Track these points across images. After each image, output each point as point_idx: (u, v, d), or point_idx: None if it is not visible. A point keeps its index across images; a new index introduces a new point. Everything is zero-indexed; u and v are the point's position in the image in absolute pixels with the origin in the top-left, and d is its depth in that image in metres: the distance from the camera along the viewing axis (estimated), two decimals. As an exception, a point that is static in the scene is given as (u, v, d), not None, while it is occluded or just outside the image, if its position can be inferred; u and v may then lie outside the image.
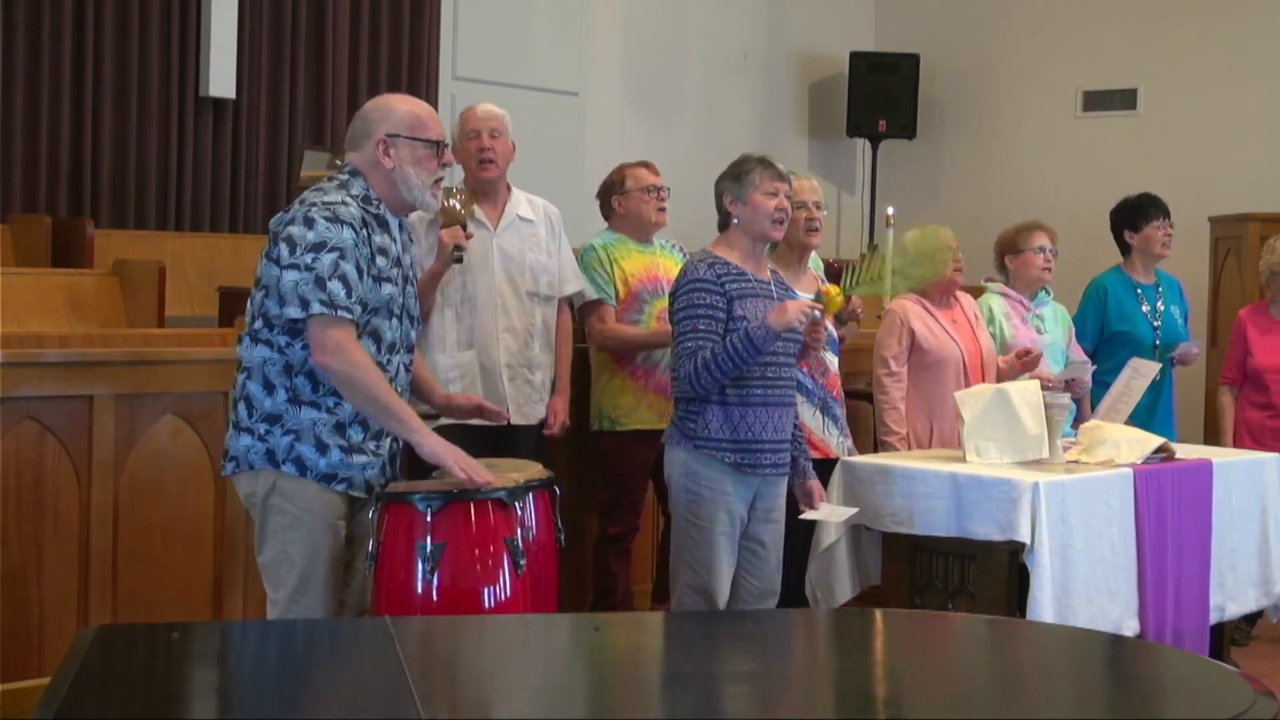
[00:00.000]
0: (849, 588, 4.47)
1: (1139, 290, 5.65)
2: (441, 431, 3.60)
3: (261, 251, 3.42)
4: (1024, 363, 4.96)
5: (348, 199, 3.41)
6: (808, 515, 4.29)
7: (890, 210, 5.67)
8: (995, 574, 4.14)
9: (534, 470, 3.62)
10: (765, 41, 9.38)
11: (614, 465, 4.89)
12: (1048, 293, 5.36)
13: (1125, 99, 8.87)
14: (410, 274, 3.60)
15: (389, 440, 3.52)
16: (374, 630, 2.93)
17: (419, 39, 7.68)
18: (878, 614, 3.29)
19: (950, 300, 5.03)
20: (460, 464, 3.37)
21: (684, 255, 4.93)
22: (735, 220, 4.11)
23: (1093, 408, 5.27)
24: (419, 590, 3.33)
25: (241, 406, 3.45)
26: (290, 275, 3.31)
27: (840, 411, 4.82)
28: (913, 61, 9.19)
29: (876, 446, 4.98)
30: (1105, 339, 5.60)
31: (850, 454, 4.69)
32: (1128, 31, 8.86)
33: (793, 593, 4.42)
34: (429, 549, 3.32)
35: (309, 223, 3.34)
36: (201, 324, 6.01)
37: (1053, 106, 9.11)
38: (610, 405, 4.88)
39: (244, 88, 7.04)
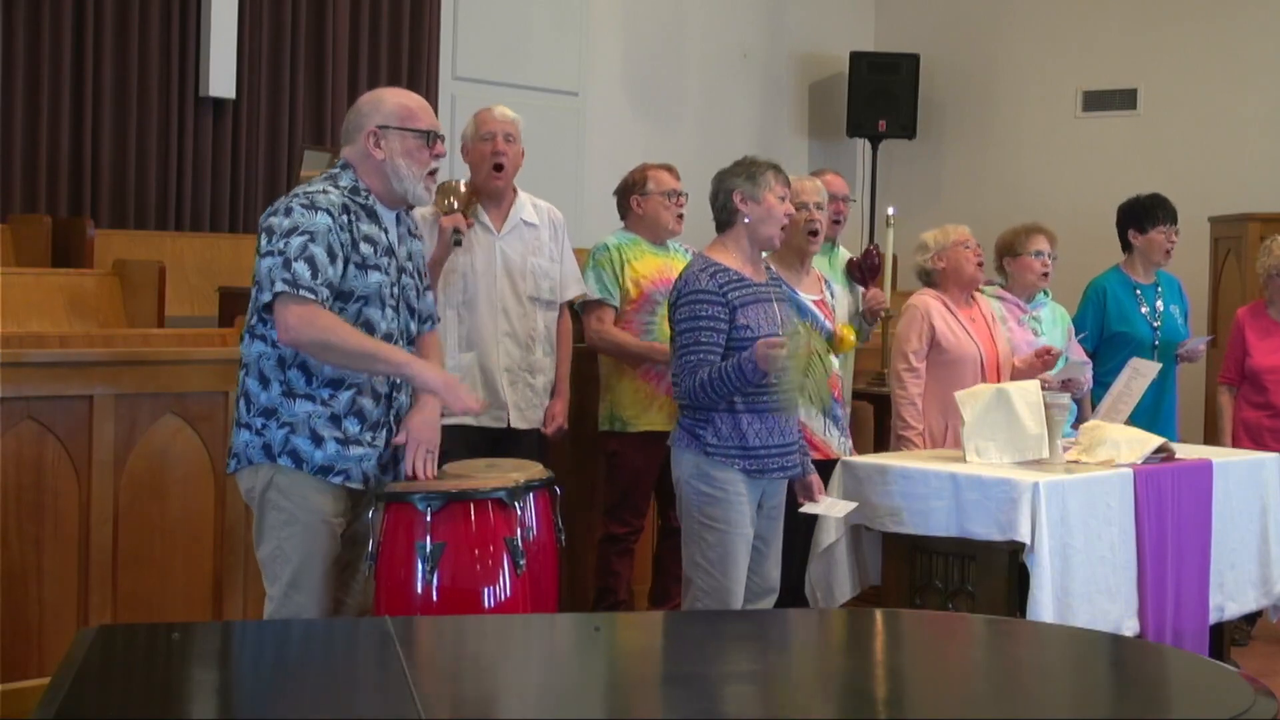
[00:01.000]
0: (849, 587, 4.47)
1: (1138, 291, 5.64)
2: (444, 431, 3.60)
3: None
4: (1044, 361, 4.95)
5: (330, 189, 3.43)
6: (808, 509, 4.28)
7: (890, 210, 5.70)
8: (995, 574, 4.14)
9: (534, 470, 3.62)
10: (765, 41, 9.37)
11: (622, 466, 4.88)
12: (1046, 294, 5.35)
13: (1125, 99, 8.87)
14: (409, 266, 3.59)
15: (385, 431, 3.51)
16: (374, 630, 2.93)
17: (419, 39, 7.68)
18: (878, 614, 3.30)
19: (969, 299, 5.02)
20: (449, 385, 3.47)
21: None
22: (745, 219, 4.07)
23: (1093, 408, 5.27)
24: (419, 590, 3.34)
25: (241, 403, 3.48)
26: (265, 262, 3.35)
27: (841, 412, 4.81)
28: (913, 61, 9.18)
29: (891, 441, 4.97)
30: (1105, 340, 5.59)
31: (850, 455, 4.68)
32: (1128, 31, 8.85)
33: (793, 590, 4.42)
34: (429, 549, 3.32)
35: (287, 212, 3.38)
36: (201, 324, 6.01)
37: (1053, 106, 9.10)
38: (621, 407, 4.87)
39: (244, 87, 7.04)
